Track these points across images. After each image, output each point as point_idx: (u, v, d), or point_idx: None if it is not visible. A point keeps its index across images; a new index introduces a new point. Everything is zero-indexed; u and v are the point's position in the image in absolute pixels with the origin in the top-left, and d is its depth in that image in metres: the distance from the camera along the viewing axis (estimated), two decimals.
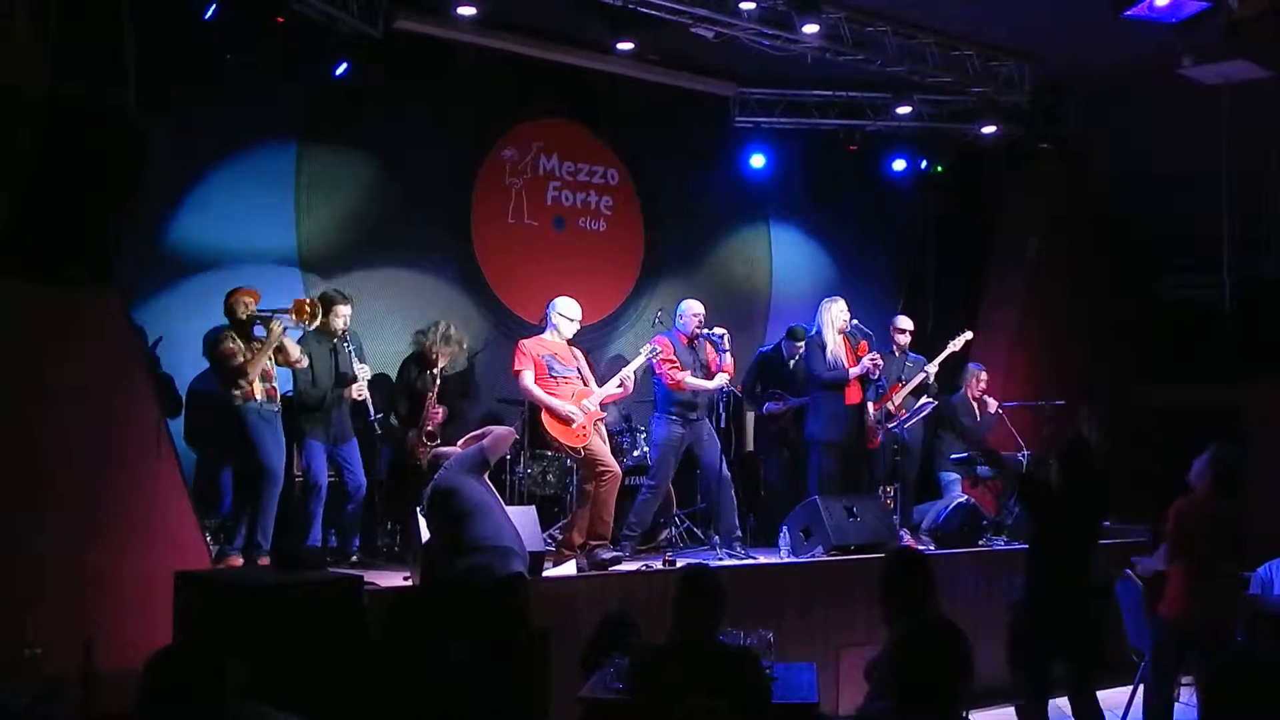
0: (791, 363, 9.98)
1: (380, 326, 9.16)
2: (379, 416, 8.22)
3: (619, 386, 8.08)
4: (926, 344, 10.19)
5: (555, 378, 7.93)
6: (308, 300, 7.68)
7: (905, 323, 9.83)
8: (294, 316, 7.53)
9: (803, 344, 9.89)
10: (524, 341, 8.13)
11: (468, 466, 6.53)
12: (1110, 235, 11.77)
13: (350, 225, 9.34)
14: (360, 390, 7.94)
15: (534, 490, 8.81)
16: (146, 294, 8.14)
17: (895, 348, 9.64)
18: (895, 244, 12.05)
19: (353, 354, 7.98)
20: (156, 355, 8.13)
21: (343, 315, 7.96)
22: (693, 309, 8.56)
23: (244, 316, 7.52)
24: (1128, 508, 8.99)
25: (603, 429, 8.20)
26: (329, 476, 7.88)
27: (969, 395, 10.08)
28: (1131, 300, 11.81)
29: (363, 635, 5.77)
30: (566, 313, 8.12)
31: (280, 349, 7.56)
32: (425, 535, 6.88)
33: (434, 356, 8.55)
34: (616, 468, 7.92)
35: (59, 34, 5.86)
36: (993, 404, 9.99)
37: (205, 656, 3.42)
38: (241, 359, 7.38)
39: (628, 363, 8.39)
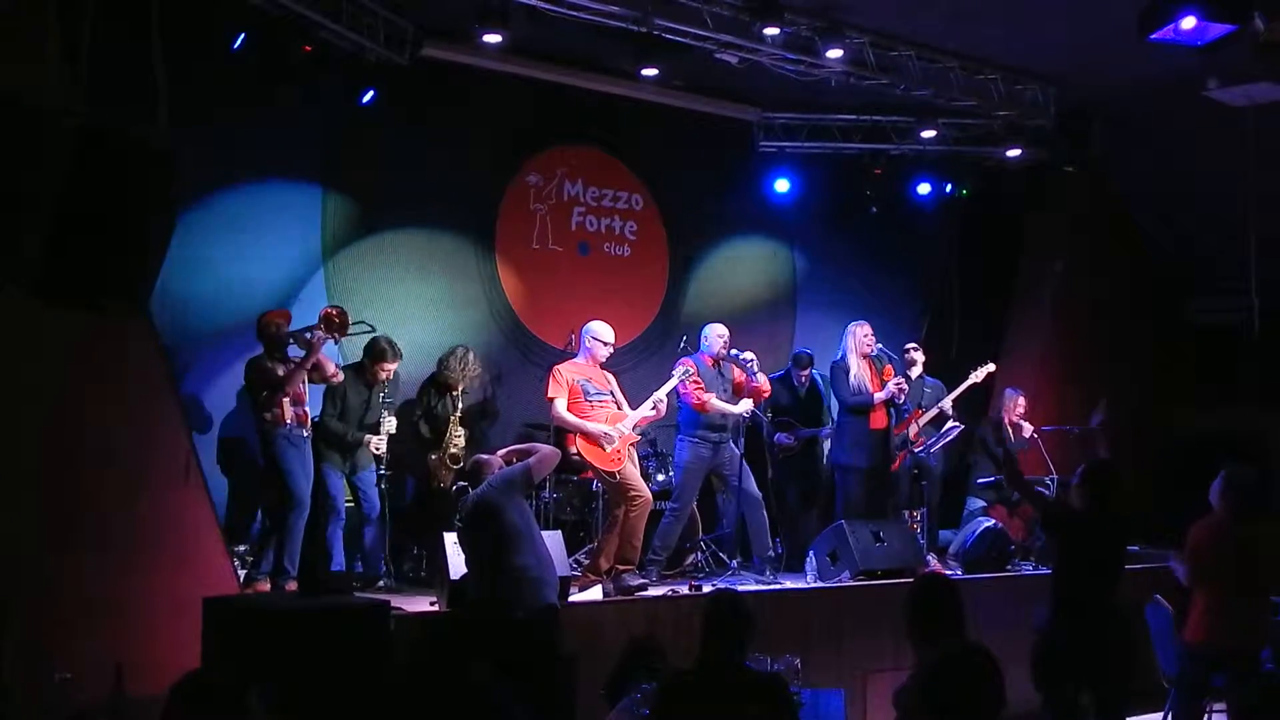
0: (801, 389, 9.97)
1: (405, 349, 9.16)
2: (386, 474, 8.29)
3: (652, 409, 8.08)
4: (951, 368, 10.15)
5: (590, 401, 7.94)
6: (334, 310, 7.71)
7: (913, 346, 9.83)
8: (323, 329, 7.58)
9: (807, 371, 9.88)
10: (558, 366, 8.14)
11: (513, 485, 6.46)
12: (1136, 259, 11.72)
13: (376, 250, 9.38)
14: (380, 446, 8.03)
15: (558, 515, 8.80)
16: (172, 318, 8.17)
17: (910, 372, 9.60)
18: (920, 268, 12.02)
19: (384, 406, 8.06)
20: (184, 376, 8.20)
21: (388, 370, 8.10)
22: (717, 331, 8.56)
23: (276, 335, 7.57)
24: (1156, 532, 8.93)
25: (634, 453, 8.20)
26: (346, 501, 7.93)
27: (1006, 420, 10.05)
28: (1158, 324, 11.75)
29: (389, 660, 5.77)
30: (601, 337, 8.14)
31: (316, 368, 7.62)
32: (451, 557, 6.88)
33: (454, 382, 8.58)
34: (648, 493, 7.91)
35: (91, 63, 5.93)
36: (1028, 429, 9.95)
37: (226, 682, 3.44)
38: (281, 372, 7.43)
39: (654, 387, 8.39)
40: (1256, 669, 6.48)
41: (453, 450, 8.44)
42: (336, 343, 7.88)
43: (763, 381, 8.50)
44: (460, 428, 8.55)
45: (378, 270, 9.37)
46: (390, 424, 8.13)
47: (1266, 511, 6.67)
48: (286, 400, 7.44)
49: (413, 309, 9.47)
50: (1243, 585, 6.44)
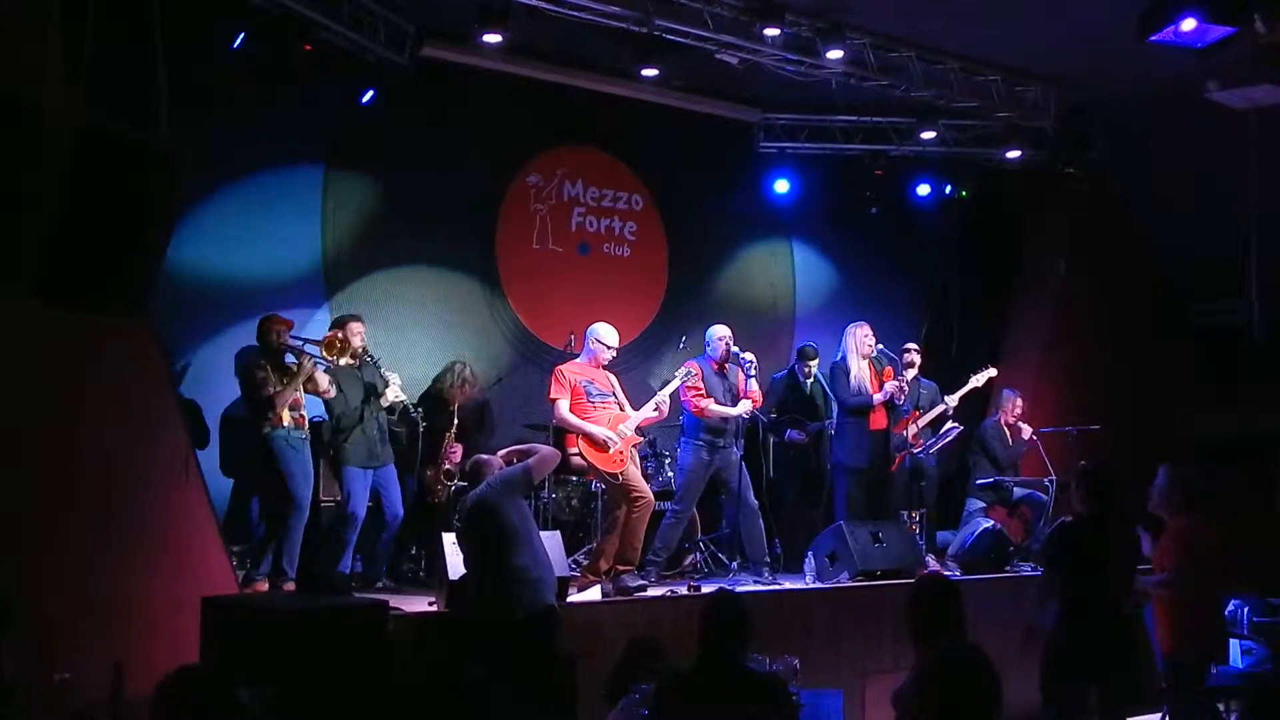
0: (807, 385, 9.95)
1: (405, 351, 9.20)
2: (420, 410, 8.27)
3: (654, 410, 8.07)
4: (950, 369, 10.15)
5: (593, 402, 7.92)
6: (337, 336, 7.70)
7: (912, 347, 9.81)
8: (324, 352, 7.57)
9: (812, 364, 9.85)
10: (561, 367, 8.12)
11: (512, 485, 6.47)
12: (1136, 260, 11.71)
13: (376, 250, 9.41)
14: (395, 394, 7.96)
15: (558, 515, 8.80)
16: (174, 318, 8.17)
17: (907, 373, 9.57)
18: (920, 269, 12.03)
19: (376, 365, 8.01)
20: (182, 380, 8.18)
21: (358, 333, 7.96)
22: (719, 333, 8.52)
23: (276, 344, 7.56)
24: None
25: (635, 454, 8.19)
26: (367, 504, 7.87)
27: (1003, 421, 10.04)
28: (1159, 325, 11.74)
29: (388, 660, 5.77)
30: (605, 340, 8.11)
31: (309, 380, 7.59)
32: (450, 558, 6.87)
33: (450, 398, 8.57)
34: (650, 494, 7.89)
35: (91, 63, 5.93)
36: (1026, 430, 9.94)
37: (212, 677, 3.44)
38: (271, 389, 7.40)
39: (653, 388, 8.38)
40: (1206, 674, 6.54)
41: (447, 466, 8.43)
42: (331, 365, 7.80)
43: (754, 389, 8.45)
44: (456, 443, 8.52)
45: (377, 269, 9.40)
46: (394, 377, 8.01)
47: (1268, 510, 6.68)
48: (282, 410, 7.44)
49: (412, 309, 9.49)
50: (1205, 588, 6.48)
